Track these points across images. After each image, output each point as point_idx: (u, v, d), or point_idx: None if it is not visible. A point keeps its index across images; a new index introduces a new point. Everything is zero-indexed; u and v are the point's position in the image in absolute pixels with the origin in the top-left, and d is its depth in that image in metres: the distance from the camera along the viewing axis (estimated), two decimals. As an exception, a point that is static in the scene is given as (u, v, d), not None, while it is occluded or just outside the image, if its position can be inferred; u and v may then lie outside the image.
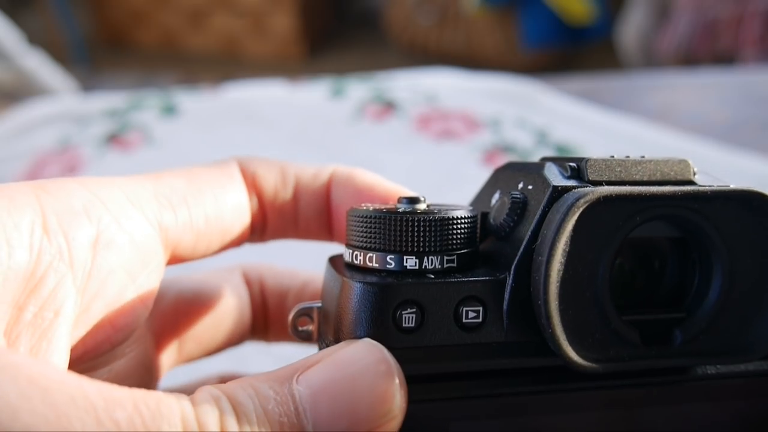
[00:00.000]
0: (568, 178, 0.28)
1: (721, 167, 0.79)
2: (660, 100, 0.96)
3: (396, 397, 0.26)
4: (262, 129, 0.89)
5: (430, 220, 0.28)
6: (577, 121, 0.88)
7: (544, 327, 0.26)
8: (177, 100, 0.95)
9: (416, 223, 0.28)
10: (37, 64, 1.41)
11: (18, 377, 0.21)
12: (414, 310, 0.27)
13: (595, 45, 2.56)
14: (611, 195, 0.26)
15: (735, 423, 0.30)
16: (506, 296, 0.28)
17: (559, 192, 0.27)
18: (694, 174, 0.29)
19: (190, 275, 0.37)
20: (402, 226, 0.28)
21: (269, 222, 0.35)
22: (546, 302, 0.26)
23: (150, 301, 0.30)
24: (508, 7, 2.47)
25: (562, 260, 0.26)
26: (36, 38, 1.75)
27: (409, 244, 0.28)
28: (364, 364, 0.26)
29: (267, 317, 0.39)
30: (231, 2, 2.89)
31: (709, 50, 1.77)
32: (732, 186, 0.28)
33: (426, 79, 0.97)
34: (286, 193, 0.35)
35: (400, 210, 0.29)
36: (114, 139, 0.89)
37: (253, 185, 0.34)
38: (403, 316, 0.27)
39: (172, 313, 0.36)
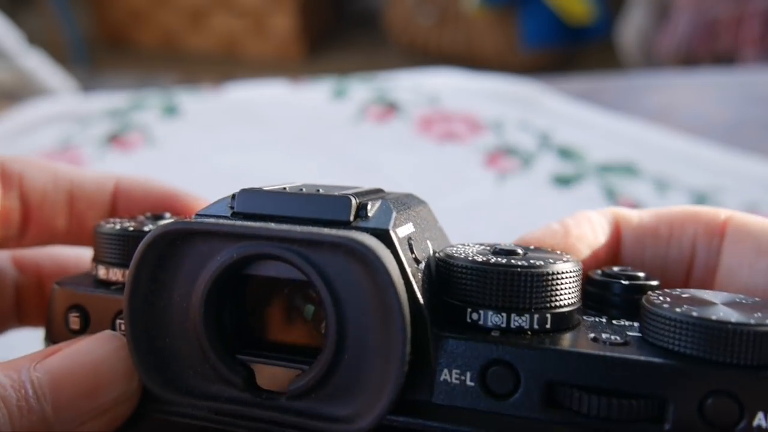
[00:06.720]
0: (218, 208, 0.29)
1: (721, 168, 0.79)
2: (660, 100, 0.96)
3: (133, 380, 0.28)
4: (264, 130, 0.89)
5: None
6: (580, 123, 0.88)
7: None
8: (178, 100, 0.95)
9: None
10: (37, 64, 1.41)
11: None
12: None
13: (595, 45, 2.55)
14: (187, 230, 0.26)
15: None
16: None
17: (163, 227, 0.27)
18: (357, 216, 0.27)
19: None
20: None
21: (32, 225, 0.35)
22: (131, 333, 0.27)
23: None
24: (508, 7, 2.47)
25: (149, 290, 0.27)
26: (36, 38, 1.75)
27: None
28: (106, 350, 0.28)
29: (41, 304, 0.38)
30: (231, 2, 2.88)
31: (709, 50, 1.77)
32: (337, 232, 0.25)
33: (428, 79, 0.96)
34: (57, 198, 0.35)
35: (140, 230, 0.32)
36: (115, 139, 0.89)
37: (15, 185, 0.34)
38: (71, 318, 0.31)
39: None
